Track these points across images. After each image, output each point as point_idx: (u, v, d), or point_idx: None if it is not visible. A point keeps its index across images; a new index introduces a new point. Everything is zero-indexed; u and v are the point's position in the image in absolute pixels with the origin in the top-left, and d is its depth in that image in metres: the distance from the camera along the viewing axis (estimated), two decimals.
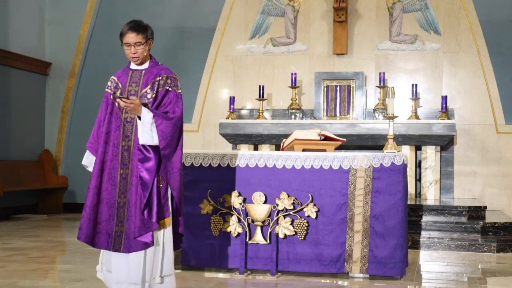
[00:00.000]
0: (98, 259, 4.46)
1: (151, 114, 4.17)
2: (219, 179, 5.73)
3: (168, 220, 4.30)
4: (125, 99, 4.08)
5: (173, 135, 4.23)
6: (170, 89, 4.33)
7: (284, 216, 5.59)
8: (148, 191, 4.17)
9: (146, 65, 4.38)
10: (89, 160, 4.45)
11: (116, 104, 4.30)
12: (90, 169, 4.46)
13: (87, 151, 4.43)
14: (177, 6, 11.05)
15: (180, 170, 4.30)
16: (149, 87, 4.29)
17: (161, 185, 4.24)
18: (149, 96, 4.27)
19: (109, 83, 4.40)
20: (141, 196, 4.19)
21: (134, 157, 4.23)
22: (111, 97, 4.34)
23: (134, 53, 4.29)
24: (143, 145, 4.21)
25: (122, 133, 4.27)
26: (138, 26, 4.29)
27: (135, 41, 4.27)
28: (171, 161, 4.26)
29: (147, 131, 4.16)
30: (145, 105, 4.21)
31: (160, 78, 4.32)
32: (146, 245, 4.20)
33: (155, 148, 4.21)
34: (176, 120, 4.26)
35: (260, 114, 10.04)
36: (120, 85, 4.34)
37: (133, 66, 4.40)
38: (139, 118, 4.18)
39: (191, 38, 10.95)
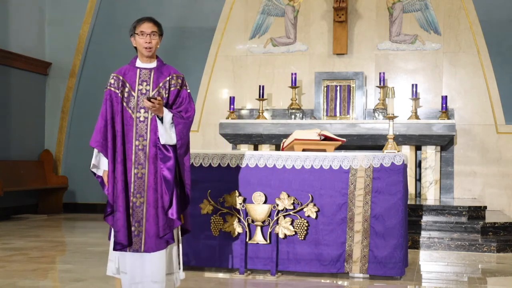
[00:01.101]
0: (107, 261, 4.44)
1: (171, 114, 4.20)
2: (219, 179, 5.73)
3: (182, 218, 4.34)
4: (153, 99, 4.09)
5: (187, 135, 4.30)
6: (181, 88, 4.35)
7: (284, 216, 5.59)
8: (171, 190, 4.19)
9: (154, 64, 4.37)
10: (97, 160, 4.36)
11: (140, 103, 4.26)
12: (96, 170, 4.39)
13: (96, 150, 4.31)
14: (177, 6, 11.05)
15: (190, 168, 4.35)
16: (161, 86, 4.29)
17: (176, 183, 4.26)
18: (161, 96, 4.27)
19: (111, 81, 4.33)
20: (161, 195, 4.20)
21: (150, 157, 4.22)
22: (119, 95, 4.30)
23: (149, 42, 4.29)
24: (163, 145, 4.21)
25: (135, 132, 4.25)
26: (154, 19, 4.37)
27: (152, 30, 4.30)
28: (184, 159, 4.29)
29: (167, 131, 4.18)
30: (164, 105, 4.24)
31: (170, 77, 4.33)
32: (167, 243, 4.23)
33: (173, 147, 4.23)
34: (191, 120, 4.32)
35: (260, 114, 10.04)
36: (127, 83, 4.31)
37: (139, 64, 4.37)
38: (159, 118, 4.18)
39: (191, 38, 10.95)
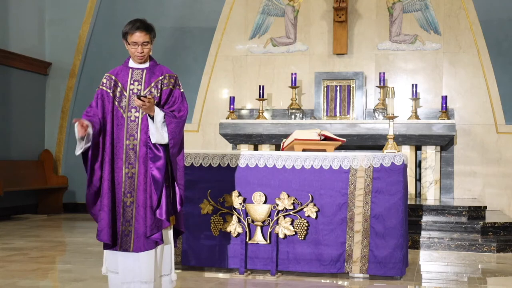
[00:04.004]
0: (103, 260, 4.45)
1: (162, 113, 4.19)
2: (219, 179, 5.73)
3: (173, 218, 4.33)
4: (143, 98, 4.09)
5: (180, 134, 4.28)
6: (174, 88, 4.35)
7: (284, 216, 5.59)
8: (160, 190, 4.18)
9: (147, 64, 4.37)
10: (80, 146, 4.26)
11: (132, 103, 4.26)
12: (80, 149, 4.27)
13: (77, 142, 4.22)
14: (177, 6, 11.05)
15: (184, 168, 4.34)
16: (152, 86, 4.30)
17: (167, 183, 4.26)
18: (153, 95, 4.27)
19: (104, 81, 4.36)
20: (151, 195, 4.19)
21: (141, 156, 4.23)
22: (111, 94, 4.31)
23: (141, 53, 4.28)
24: (154, 144, 4.21)
25: (126, 132, 4.26)
26: (146, 26, 4.29)
27: (144, 40, 4.26)
28: (177, 159, 4.28)
29: (158, 130, 4.18)
30: (157, 104, 4.24)
31: (162, 77, 4.33)
32: (156, 244, 4.23)
33: (164, 146, 4.23)
34: (184, 119, 4.31)
35: (260, 114, 10.04)
36: (119, 83, 4.33)
37: (132, 64, 4.38)
38: (150, 117, 4.19)
39: (191, 38, 10.96)
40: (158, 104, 4.27)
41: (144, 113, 4.23)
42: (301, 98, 10.42)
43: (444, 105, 9.58)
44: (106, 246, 4.28)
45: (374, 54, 10.34)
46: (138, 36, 4.25)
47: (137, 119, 4.26)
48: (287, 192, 5.59)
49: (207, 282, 5.38)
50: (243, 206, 5.63)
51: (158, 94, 4.29)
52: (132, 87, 4.31)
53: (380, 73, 9.94)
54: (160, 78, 4.32)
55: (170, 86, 4.33)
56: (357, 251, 5.48)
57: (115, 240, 4.25)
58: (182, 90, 4.40)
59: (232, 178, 5.69)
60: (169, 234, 4.36)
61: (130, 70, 4.35)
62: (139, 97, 4.11)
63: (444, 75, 10.16)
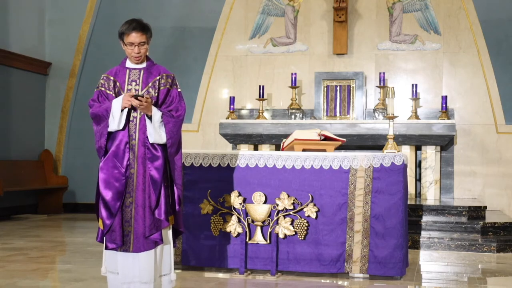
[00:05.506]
0: (102, 261, 4.46)
1: (160, 113, 4.20)
2: (219, 179, 5.73)
3: (172, 218, 4.33)
4: (141, 98, 4.09)
5: (178, 134, 4.29)
6: (171, 87, 4.35)
7: (284, 216, 5.59)
8: (158, 190, 4.18)
9: (144, 64, 4.38)
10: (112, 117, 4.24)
11: (130, 103, 4.26)
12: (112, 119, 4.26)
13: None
14: (177, 6, 11.05)
15: (182, 168, 4.34)
16: (150, 86, 4.30)
17: (165, 184, 4.25)
18: (150, 95, 4.28)
19: (102, 81, 4.36)
20: (149, 196, 4.19)
21: (139, 156, 4.22)
22: (112, 94, 4.31)
23: (138, 53, 4.28)
24: (152, 144, 4.21)
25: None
26: (142, 26, 4.29)
27: (140, 40, 4.27)
28: (175, 159, 4.28)
29: (156, 130, 4.18)
30: (154, 104, 4.24)
31: (160, 77, 4.33)
32: (156, 244, 4.23)
33: (162, 146, 4.23)
34: (181, 119, 4.32)
35: (260, 114, 10.04)
36: (117, 83, 4.33)
37: (129, 64, 4.38)
38: (148, 116, 4.19)
39: (191, 38, 10.96)
40: (155, 104, 4.27)
41: (142, 113, 4.23)
42: (301, 98, 10.42)
43: (444, 105, 9.58)
44: (112, 246, 4.25)
45: (374, 54, 10.34)
46: (135, 37, 4.26)
47: (135, 119, 4.26)
48: (287, 192, 5.59)
49: (207, 282, 5.38)
50: (243, 206, 5.63)
51: (156, 94, 4.29)
52: (129, 87, 4.31)
53: (380, 73, 9.94)
54: (158, 78, 4.33)
55: (168, 86, 4.34)
56: (357, 251, 5.48)
57: (123, 241, 4.24)
58: (179, 90, 4.40)
59: (232, 178, 5.69)
60: (169, 234, 4.36)
61: (128, 71, 4.36)
62: (136, 97, 4.11)
63: (444, 75, 10.16)
